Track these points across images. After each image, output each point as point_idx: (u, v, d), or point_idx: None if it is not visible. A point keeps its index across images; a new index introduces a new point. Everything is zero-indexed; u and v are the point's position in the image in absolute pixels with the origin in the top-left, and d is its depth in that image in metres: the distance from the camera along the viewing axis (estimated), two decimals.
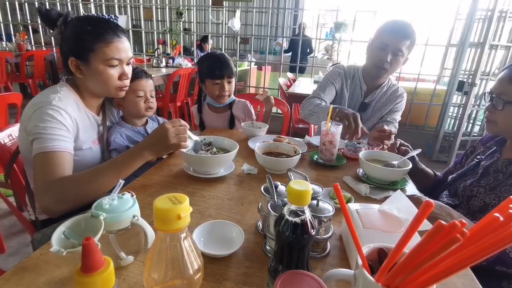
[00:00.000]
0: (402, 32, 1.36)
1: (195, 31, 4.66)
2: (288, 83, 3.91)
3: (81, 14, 4.62)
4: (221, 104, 1.60)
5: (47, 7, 1.04)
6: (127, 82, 1.06)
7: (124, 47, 1.01)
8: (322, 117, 1.35)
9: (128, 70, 1.05)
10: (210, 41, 5.10)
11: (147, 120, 1.31)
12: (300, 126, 3.08)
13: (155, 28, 4.71)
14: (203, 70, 1.57)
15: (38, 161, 0.86)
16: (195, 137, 1.04)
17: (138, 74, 1.20)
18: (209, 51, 5.05)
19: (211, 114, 1.67)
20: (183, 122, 0.95)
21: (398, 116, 1.57)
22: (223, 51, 4.41)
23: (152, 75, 1.31)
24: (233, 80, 1.59)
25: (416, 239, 0.42)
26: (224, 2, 4.54)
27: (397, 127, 1.55)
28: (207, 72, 1.54)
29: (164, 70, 3.83)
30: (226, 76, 1.52)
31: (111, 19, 1.05)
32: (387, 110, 1.56)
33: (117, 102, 1.20)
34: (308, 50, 5.23)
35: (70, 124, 0.95)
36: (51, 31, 1.03)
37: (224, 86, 1.54)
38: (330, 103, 1.54)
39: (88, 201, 0.84)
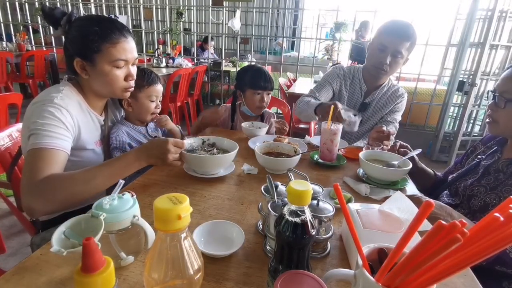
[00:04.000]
0: (402, 33, 1.36)
1: (195, 31, 4.65)
2: (288, 83, 3.91)
3: (82, 14, 4.62)
4: (256, 115, 1.68)
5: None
6: (132, 83, 1.05)
7: (130, 47, 1.00)
8: (311, 113, 1.39)
9: (133, 70, 1.04)
10: (212, 42, 5.11)
11: None
12: (300, 126, 3.08)
13: (155, 28, 4.72)
14: (245, 79, 1.62)
15: (30, 156, 0.84)
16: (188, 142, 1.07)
17: (154, 79, 1.22)
18: (211, 51, 5.07)
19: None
20: (186, 145, 0.97)
21: (398, 116, 1.57)
22: (223, 51, 4.45)
23: None
24: (271, 94, 1.67)
25: (416, 239, 0.42)
26: (224, 2, 4.54)
27: (398, 127, 1.55)
28: (250, 82, 1.60)
29: (164, 70, 3.83)
30: (268, 89, 1.61)
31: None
32: (388, 110, 1.57)
33: (127, 102, 1.20)
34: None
35: (70, 123, 0.93)
36: (54, 30, 1.02)
37: (264, 98, 1.61)
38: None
39: (76, 203, 0.82)
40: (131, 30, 1.04)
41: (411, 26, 1.38)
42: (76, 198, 0.82)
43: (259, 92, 1.60)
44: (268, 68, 4.63)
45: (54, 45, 4.77)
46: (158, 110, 1.27)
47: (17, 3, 5.06)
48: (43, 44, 4.99)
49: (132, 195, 0.63)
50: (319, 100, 1.52)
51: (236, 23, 4.12)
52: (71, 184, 0.81)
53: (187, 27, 5.55)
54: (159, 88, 1.25)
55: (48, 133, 0.86)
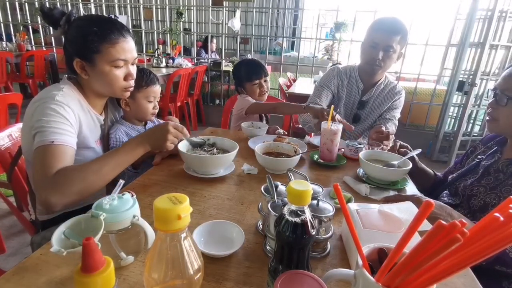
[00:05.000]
0: (391, 29, 1.38)
1: (195, 31, 4.64)
2: (288, 83, 3.91)
3: (82, 14, 4.62)
4: (261, 101, 1.81)
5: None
6: (132, 82, 1.05)
7: (129, 47, 1.00)
8: (314, 127, 1.48)
9: (133, 70, 1.05)
10: (214, 41, 5.13)
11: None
12: (300, 126, 3.07)
13: (155, 28, 4.71)
14: (241, 76, 1.78)
15: (39, 154, 0.84)
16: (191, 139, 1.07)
17: (153, 80, 1.23)
18: (214, 51, 5.09)
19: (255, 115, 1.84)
20: (185, 130, 0.99)
21: (397, 114, 1.57)
22: (223, 51, 4.44)
23: None
24: (268, 79, 1.82)
25: (416, 239, 0.42)
26: (224, 2, 4.53)
27: (397, 124, 1.56)
28: (245, 76, 1.76)
29: (164, 70, 3.83)
30: (262, 76, 1.76)
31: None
32: (386, 108, 1.58)
33: (125, 102, 1.20)
34: None
35: (73, 120, 0.94)
36: (54, 30, 1.02)
37: (262, 84, 1.77)
38: (328, 106, 1.55)
39: (89, 194, 0.84)
40: (130, 30, 1.04)
41: (399, 21, 1.41)
42: (89, 188, 0.83)
43: (255, 82, 1.75)
44: (268, 68, 4.63)
45: (54, 45, 4.77)
46: (156, 111, 1.27)
47: (17, 3, 5.05)
48: (43, 44, 4.98)
49: (132, 195, 0.63)
50: (320, 105, 1.53)
51: (236, 23, 4.11)
52: (84, 175, 0.83)
53: (187, 27, 5.55)
54: (157, 89, 1.25)
55: (54, 130, 0.87)
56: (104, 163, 0.87)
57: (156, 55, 4.33)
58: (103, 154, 0.91)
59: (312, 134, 2.10)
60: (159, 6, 5.33)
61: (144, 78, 1.20)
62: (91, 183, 0.83)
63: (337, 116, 1.22)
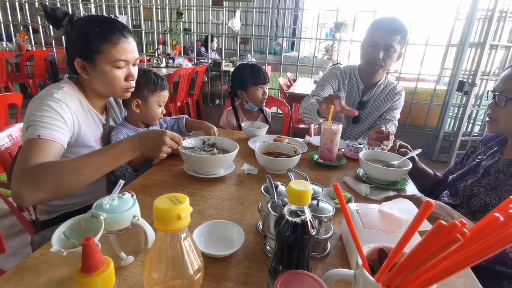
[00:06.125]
0: (391, 28, 1.38)
1: (195, 31, 4.65)
2: (288, 83, 3.91)
3: (82, 14, 4.62)
4: (260, 107, 1.83)
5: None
6: (133, 83, 1.05)
7: (130, 47, 1.00)
8: (314, 115, 1.37)
9: (134, 70, 1.04)
10: (215, 39, 5.14)
11: None
12: (300, 126, 3.08)
13: (155, 28, 4.72)
14: (245, 78, 1.77)
15: (25, 146, 0.83)
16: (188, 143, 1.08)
17: (166, 85, 1.25)
18: (214, 50, 5.09)
19: (249, 120, 1.86)
20: (181, 141, 0.96)
21: (397, 114, 1.58)
22: (223, 51, 4.44)
23: None
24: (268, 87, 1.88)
25: (416, 239, 0.42)
26: (224, 2, 4.53)
27: (397, 124, 1.56)
28: (251, 79, 1.76)
29: (164, 70, 3.83)
30: (266, 82, 1.81)
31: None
32: (386, 108, 1.58)
33: (136, 103, 1.20)
34: None
35: (69, 118, 0.93)
36: (56, 30, 1.02)
37: (265, 90, 1.81)
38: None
39: (66, 193, 0.80)
40: (131, 30, 1.04)
41: (399, 20, 1.40)
42: (65, 187, 0.79)
43: (261, 86, 1.76)
44: (268, 68, 4.64)
45: (54, 45, 4.77)
46: (162, 116, 1.29)
47: (17, 3, 5.06)
48: (43, 44, 4.99)
49: (132, 195, 0.63)
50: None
51: (236, 23, 4.12)
52: (60, 172, 0.79)
53: (187, 27, 5.55)
54: (167, 94, 1.27)
55: (45, 125, 0.86)
56: (86, 163, 0.82)
57: (156, 55, 4.33)
58: (88, 153, 0.86)
59: (312, 134, 2.10)
60: (159, 6, 5.33)
61: (158, 82, 1.21)
62: (67, 182, 0.79)
63: (343, 102, 1.14)
